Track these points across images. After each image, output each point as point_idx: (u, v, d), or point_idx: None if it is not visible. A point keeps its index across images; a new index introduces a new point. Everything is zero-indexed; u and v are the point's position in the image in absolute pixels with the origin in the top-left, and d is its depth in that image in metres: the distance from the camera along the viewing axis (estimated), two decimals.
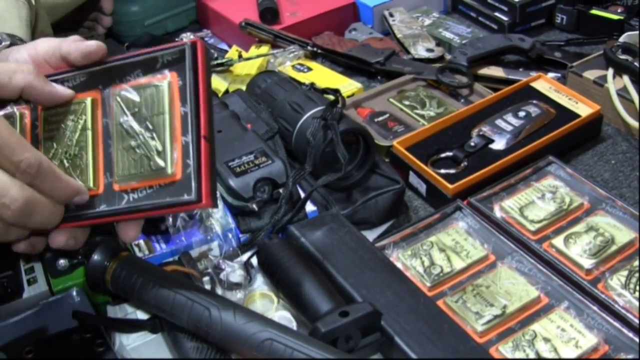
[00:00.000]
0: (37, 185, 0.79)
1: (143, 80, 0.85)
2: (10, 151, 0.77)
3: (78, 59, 0.87)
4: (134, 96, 0.84)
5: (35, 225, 0.82)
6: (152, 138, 0.83)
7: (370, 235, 1.12)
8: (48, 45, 0.90)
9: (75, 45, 0.87)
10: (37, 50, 0.91)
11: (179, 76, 0.82)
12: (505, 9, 1.67)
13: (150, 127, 0.83)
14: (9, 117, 0.88)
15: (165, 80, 0.83)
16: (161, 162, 0.82)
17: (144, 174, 0.83)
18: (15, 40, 1.07)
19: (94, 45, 0.87)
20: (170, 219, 1.05)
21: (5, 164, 0.77)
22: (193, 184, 0.80)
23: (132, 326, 0.96)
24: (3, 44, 1.05)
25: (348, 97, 1.42)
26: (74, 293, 1.01)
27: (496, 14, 1.69)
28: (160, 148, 0.82)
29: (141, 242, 1.06)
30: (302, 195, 1.10)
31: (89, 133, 0.86)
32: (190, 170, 0.80)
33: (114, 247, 0.96)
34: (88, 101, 0.87)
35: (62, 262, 1.04)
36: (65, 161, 0.87)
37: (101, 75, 0.88)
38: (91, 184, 0.85)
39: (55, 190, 0.81)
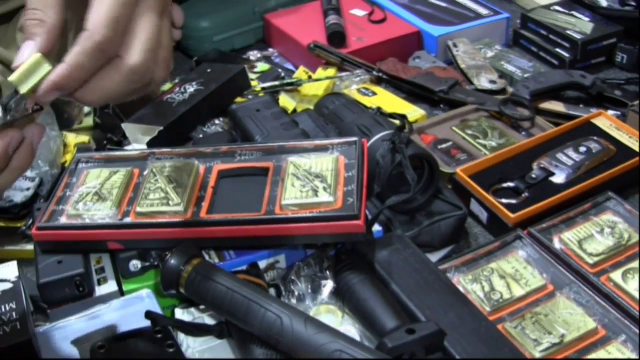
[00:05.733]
0: None
1: (314, 155, 1.13)
2: None
3: None
4: (307, 160, 1.11)
5: None
6: (320, 181, 1.06)
7: (431, 258, 1.14)
8: None
9: None
10: None
11: (345, 157, 1.11)
12: (567, 45, 1.69)
13: (319, 176, 1.07)
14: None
15: (335, 157, 1.11)
16: (325, 194, 1.03)
17: (307, 201, 1.03)
18: None
19: None
20: None
21: None
22: (355, 204, 1.01)
23: (201, 330, 0.99)
24: None
25: (411, 123, 1.44)
26: (144, 294, 1.05)
27: (557, 49, 1.71)
28: (325, 186, 1.05)
29: (211, 250, 1.10)
30: (368, 215, 1.13)
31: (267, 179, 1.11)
32: (352, 200, 1.02)
33: (189, 253, 1.00)
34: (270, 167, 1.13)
35: (134, 262, 1.07)
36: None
37: (274, 153, 1.16)
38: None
39: None
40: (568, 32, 1.70)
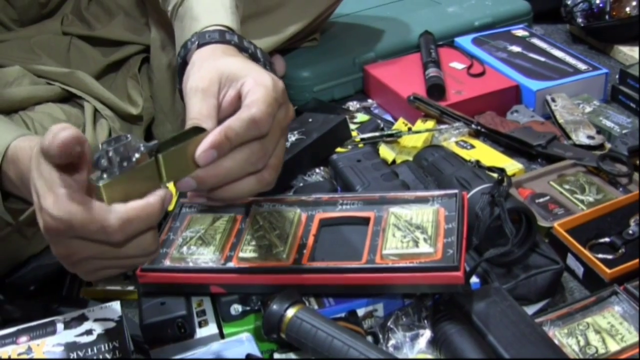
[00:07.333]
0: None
1: (415, 207, 1.15)
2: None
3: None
4: (408, 211, 1.14)
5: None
6: (421, 233, 1.08)
7: (527, 311, 1.15)
8: None
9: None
10: None
11: (445, 209, 1.13)
12: None
13: (420, 227, 1.09)
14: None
15: (436, 208, 1.14)
16: (425, 245, 1.06)
17: (408, 252, 1.06)
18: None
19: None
20: None
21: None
22: (455, 255, 1.03)
23: None
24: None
25: (510, 176, 1.46)
26: (244, 338, 1.08)
27: None
28: (426, 238, 1.07)
29: (311, 297, 1.12)
30: (466, 267, 1.15)
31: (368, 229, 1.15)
32: (452, 252, 1.04)
33: (291, 298, 1.03)
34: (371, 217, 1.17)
35: (235, 306, 1.11)
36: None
37: (375, 203, 1.19)
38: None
39: None
40: None
